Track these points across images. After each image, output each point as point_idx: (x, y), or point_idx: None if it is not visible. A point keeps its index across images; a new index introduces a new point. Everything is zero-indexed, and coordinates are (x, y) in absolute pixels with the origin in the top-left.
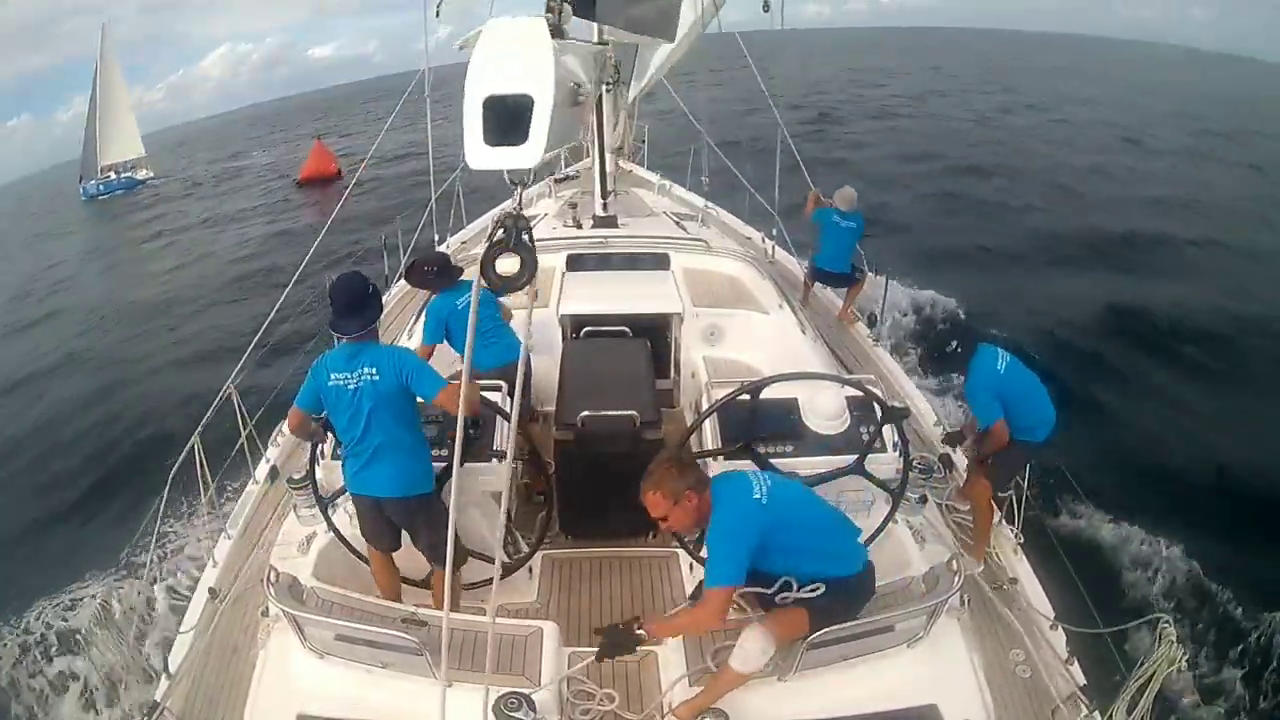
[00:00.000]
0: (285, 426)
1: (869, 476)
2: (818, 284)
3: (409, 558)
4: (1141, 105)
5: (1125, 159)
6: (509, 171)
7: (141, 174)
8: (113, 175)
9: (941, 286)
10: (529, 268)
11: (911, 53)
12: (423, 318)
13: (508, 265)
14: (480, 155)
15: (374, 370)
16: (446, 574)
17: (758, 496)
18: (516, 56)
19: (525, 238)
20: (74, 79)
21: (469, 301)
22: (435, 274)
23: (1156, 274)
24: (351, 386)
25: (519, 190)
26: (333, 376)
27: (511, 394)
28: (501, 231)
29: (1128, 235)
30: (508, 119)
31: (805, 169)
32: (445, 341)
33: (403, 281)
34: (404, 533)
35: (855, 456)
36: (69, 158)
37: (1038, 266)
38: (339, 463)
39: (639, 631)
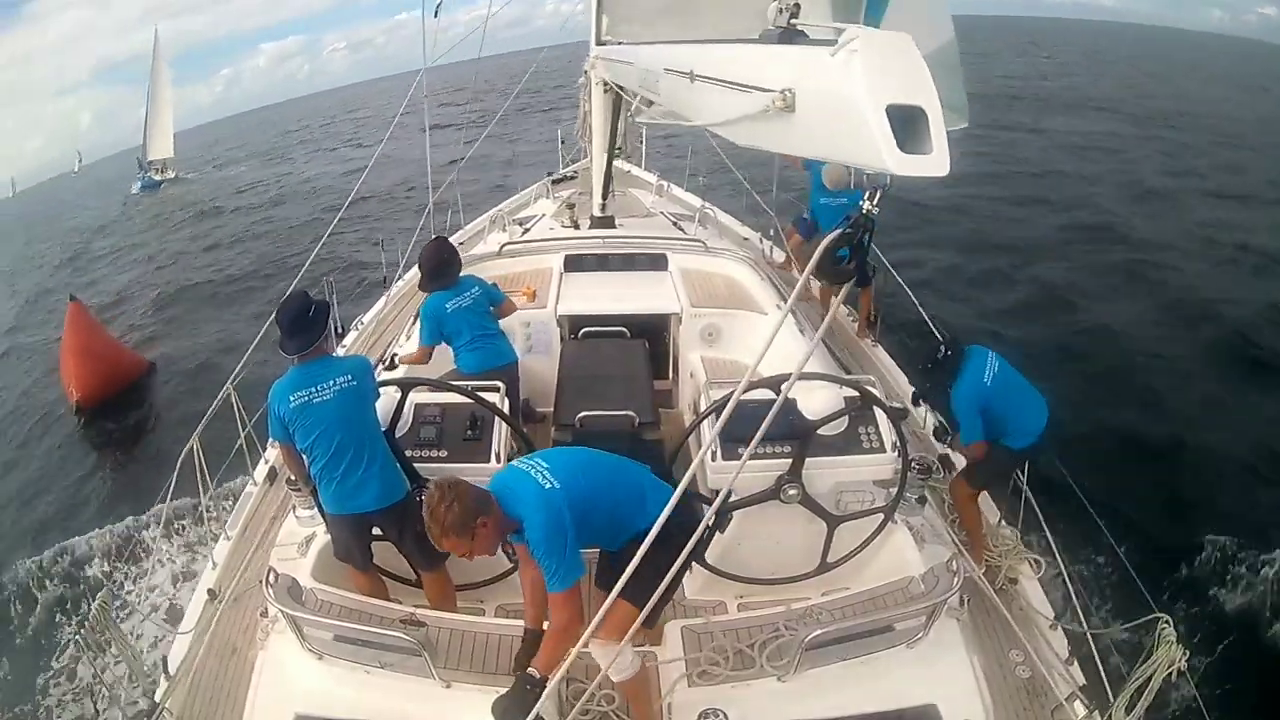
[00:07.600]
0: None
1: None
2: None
3: (400, 555)
4: None
5: None
6: (869, 176)
7: (159, 176)
8: (145, 174)
9: None
10: (856, 263)
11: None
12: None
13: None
14: (900, 162)
15: (349, 377)
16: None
17: (548, 486)
18: (896, 66)
19: (867, 238)
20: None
21: (459, 304)
22: (424, 276)
23: None
24: (317, 401)
25: (879, 193)
26: (293, 396)
27: (509, 396)
28: (848, 226)
29: None
30: (908, 128)
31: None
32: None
33: (402, 281)
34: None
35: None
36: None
37: None
38: None
39: (529, 670)
